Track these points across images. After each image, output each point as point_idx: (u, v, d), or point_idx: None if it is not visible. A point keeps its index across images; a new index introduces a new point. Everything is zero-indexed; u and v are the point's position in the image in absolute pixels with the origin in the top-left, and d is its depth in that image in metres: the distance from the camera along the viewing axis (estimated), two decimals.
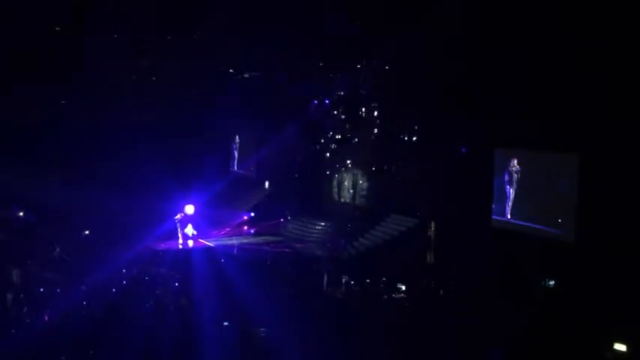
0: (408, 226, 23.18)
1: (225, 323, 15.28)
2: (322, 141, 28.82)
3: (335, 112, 27.98)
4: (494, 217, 19.58)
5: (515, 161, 18.97)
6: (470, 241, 19.37)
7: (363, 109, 26.55)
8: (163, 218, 26.54)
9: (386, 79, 25.12)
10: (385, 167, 25.52)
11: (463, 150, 20.92)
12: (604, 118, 15.61)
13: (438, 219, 21.89)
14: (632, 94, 15.14)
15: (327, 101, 28.12)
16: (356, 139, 27.13)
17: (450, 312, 17.22)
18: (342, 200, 27.72)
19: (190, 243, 26.33)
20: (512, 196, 19.03)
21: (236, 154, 34.60)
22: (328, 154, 28.58)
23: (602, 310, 14.77)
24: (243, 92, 30.97)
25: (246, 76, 31.34)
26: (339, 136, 27.96)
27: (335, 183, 28.19)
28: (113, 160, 28.45)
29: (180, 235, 26.39)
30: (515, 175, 18.95)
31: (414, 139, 23.82)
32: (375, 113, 26.08)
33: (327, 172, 28.62)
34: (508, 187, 19.15)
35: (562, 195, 17.35)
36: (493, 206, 19.61)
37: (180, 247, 25.81)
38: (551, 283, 17.62)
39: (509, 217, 19.11)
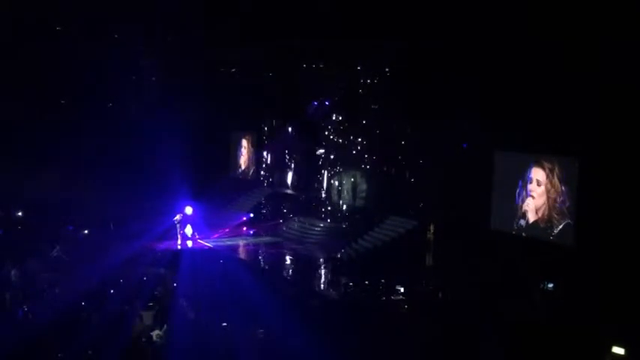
0: (407, 228, 23.19)
1: (224, 324, 15.27)
2: (322, 142, 28.81)
3: (334, 113, 27.98)
4: (496, 219, 19.61)
5: (518, 165, 19.00)
6: (468, 244, 19.38)
7: (363, 111, 26.56)
8: (163, 218, 26.54)
9: (385, 80, 25.14)
10: (385, 169, 25.53)
11: (464, 146, 20.91)
12: (604, 123, 15.65)
13: (437, 221, 21.91)
14: (632, 99, 15.19)
15: (327, 102, 28.14)
16: (355, 141, 27.14)
17: (448, 314, 17.20)
18: (342, 201, 27.72)
19: (189, 243, 26.31)
20: (512, 199, 19.05)
21: (236, 154, 34.62)
22: (328, 155, 28.58)
23: (601, 313, 14.78)
24: (242, 92, 31.02)
25: (246, 75, 31.42)
26: (339, 137, 27.96)
27: (334, 184, 28.18)
28: (113, 161, 28.47)
29: (179, 235, 26.37)
30: (517, 180, 18.96)
31: (414, 141, 23.81)
32: (375, 115, 26.07)
33: (327, 174, 28.62)
34: (509, 190, 19.17)
35: (561, 198, 17.37)
36: (495, 209, 19.63)
37: (179, 247, 25.80)
38: (550, 285, 17.63)
39: (512, 220, 19.12)
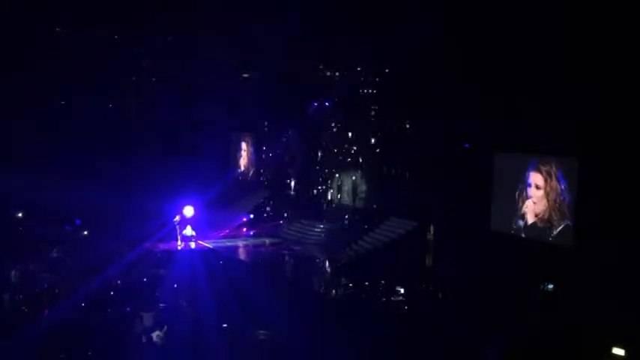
0: (407, 229, 23.17)
1: (224, 325, 15.29)
2: (322, 143, 28.82)
3: (335, 114, 27.99)
4: (496, 220, 19.60)
5: (518, 166, 18.99)
6: (469, 245, 19.37)
7: (363, 111, 26.57)
8: (163, 219, 26.53)
9: (386, 81, 25.14)
10: (385, 169, 25.53)
11: (466, 146, 20.90)
12: (604, 123, 15.65)
13: (437, 222, 21.89)
14: (632, 99, 15.19)
15: (327, 103, 28.14)
16: (355, 141, 27.14)
17: (448, 315, 17.20)
18: (342, 202, 27.72)
19: (189, 244, 26.30)
20: (512, 200, 19.03)
21: (236, 155, 34.62)
22: (328, 156, 28.58)
23: (601, 314, 14.78)
24: (242, 93, 31.03)
25: (246, 76, 31.44)
26: (339, 138, 27.96)
27: (334, 185, 28.19)
28: (113, 161, 28.47)
29: (179, 236, 26.37)
30: (517, 180, 18.94)
31: (414, 141, 23.81)
32: (375, 116, 26.08)
33: (327, 174, 28.62)
34: (509, 191, 19.16)
35: (561, 200, 17.37)
36: (495, 210, 19.62)
37: (180, 248, 25.80)
38: (550, 286, 17.62)
39: (511, 221, 19.11)
